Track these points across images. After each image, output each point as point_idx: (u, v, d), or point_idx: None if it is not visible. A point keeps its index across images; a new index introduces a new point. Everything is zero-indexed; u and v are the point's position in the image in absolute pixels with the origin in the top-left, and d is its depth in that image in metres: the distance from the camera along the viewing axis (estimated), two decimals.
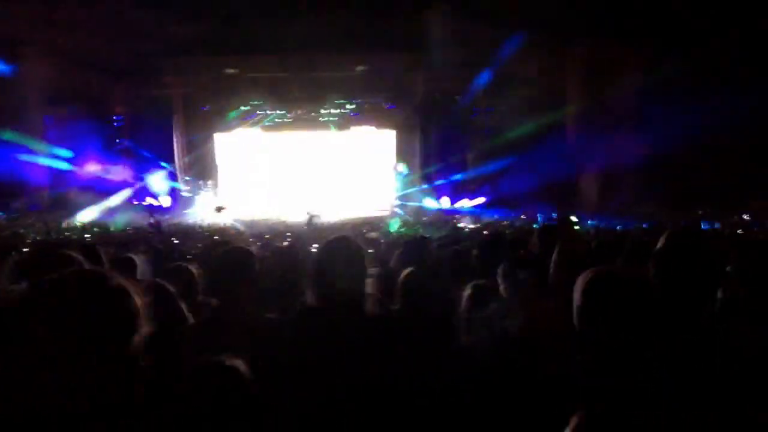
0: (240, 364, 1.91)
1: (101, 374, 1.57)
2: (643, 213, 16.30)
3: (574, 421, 1.58)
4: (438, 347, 2.78)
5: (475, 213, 20.51)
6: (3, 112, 17.45)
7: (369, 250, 3.19)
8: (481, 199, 21.49)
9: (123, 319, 1.63)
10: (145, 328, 1.67)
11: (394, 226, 14.81)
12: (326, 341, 2.46)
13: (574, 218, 14.31)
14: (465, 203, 21.67)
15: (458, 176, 21.97)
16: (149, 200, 21.83)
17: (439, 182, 22.30)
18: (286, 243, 8.60)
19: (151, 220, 10.69)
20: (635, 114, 17.99)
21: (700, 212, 15.64)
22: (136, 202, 21.41)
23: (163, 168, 22.31)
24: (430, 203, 22.24)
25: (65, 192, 19.58)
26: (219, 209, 17.53)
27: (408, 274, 3.68)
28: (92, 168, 20.24)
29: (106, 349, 1.59)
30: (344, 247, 2.77)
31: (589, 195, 19.76)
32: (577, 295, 2.39)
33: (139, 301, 1.68)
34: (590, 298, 2.33)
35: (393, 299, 3.51)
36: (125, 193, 21.17)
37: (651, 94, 16.89)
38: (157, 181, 22.05)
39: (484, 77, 20.08)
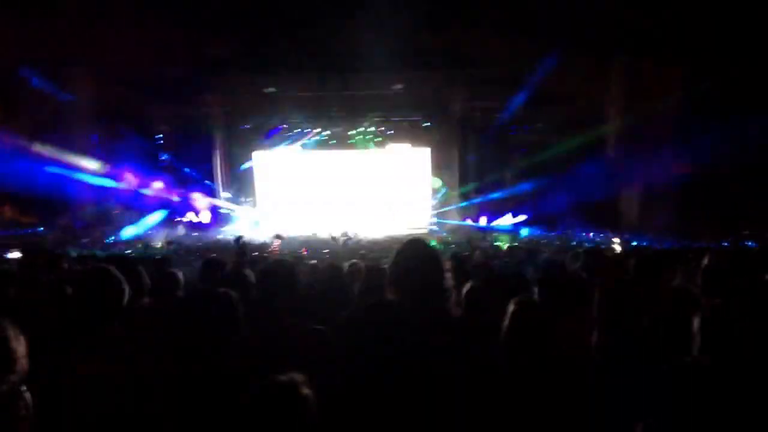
0: (301, 380, 1.90)
1: None
2: (685, 233, 16.02)
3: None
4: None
5: (512, 231, 20.37)
6: (49, 130, 17.91)
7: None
8: (519, 218, 21.33)
9: None
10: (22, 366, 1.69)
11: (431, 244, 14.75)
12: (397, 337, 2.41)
13: (616, 240, 14.12)
14: (503, 221, 21.53)
15: (496, 194, 21.84)
16: (189, 216, 22.13)
17: (476, 200, 22.20)
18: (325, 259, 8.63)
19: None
20: (676, 132, 17.73)
21: (746, 232, 15.31)
22: (177, 219, 21.73)
23: (203, 185, 22.63)
24: (467, 221, 22.14)
25: (109, 209, 19.96)
26: (278, 237, 17.78)
27: (470, 290, 3.69)
28: (134, 185, 20.60)
29: None
30: (420, 248, 2.84)
31: (630, 214, 19.48)
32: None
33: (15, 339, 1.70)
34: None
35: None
36: (166, 210, 21.48)
37: (691, 112, 16.65)
38: (198, 197, 22.36)
39: (522, 95, 20.01)
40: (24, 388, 1.71)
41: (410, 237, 2.93)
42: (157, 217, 20.86)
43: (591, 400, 2.62)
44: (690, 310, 2.49)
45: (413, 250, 2.79)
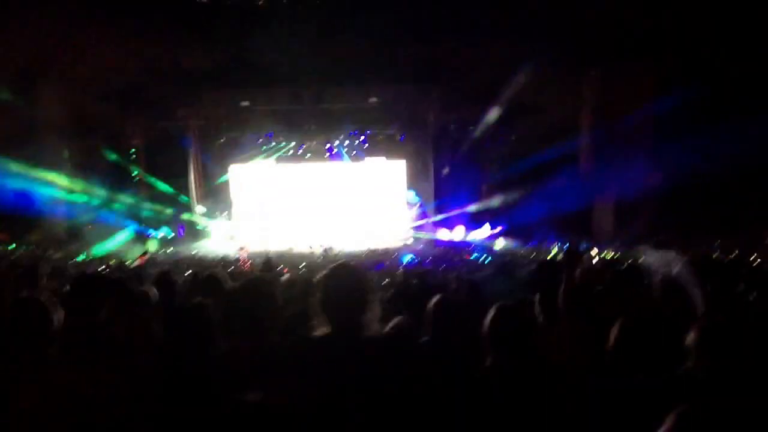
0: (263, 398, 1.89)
1: None
2: (657, 242, 16.17)
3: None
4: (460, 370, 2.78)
5: (488, 243, 20.43)
6: (21, 145, 17.68)
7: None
8: (495, 229, 21.41)
9: None
10: None
11: (407, 258, 14.76)
12: (335, 368, 2.49)
13: (594, 249, 14.23)
14: (478, 234, 21.59)
15: (471, 206, 21.93)
16: (164, 231, 21.93)
17: (452, 213, 22.26)
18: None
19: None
20: (649, 142, 17.96)
21: (717, 242, 15.48)
22: (150, 234, 21.51)
23: (177, 199, 22.45)
24: (443, 234, 22.18)
25: (80, 224, 19.73)
26: (242, 249, 17.71)
27: (437, 303, 3.67)
28: (108, 200, 20.40)
29: None
30: (346, 275, 2.79)
31: (604, 225, 19.66)
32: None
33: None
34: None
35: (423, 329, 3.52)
36: (138, 225, 21.28)
37: (665, 122, 16.87)
38: (172, 212, 22.19)
39: (496, 107, 20.14)
40: None
41: (337, 263, 2.93)
42: (129, 232, 20.64)
43: (575, 411, 2.63)
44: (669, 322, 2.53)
45: (339, 276, 2.78)
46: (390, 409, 2.41)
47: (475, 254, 16.46)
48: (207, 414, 1.86)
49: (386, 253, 17.46)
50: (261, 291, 3.20)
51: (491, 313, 3.01)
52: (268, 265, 10.93)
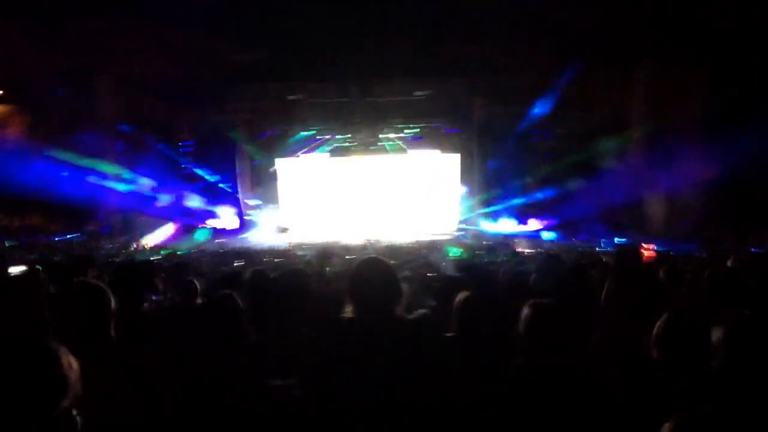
0: (292, 385, 1.93)
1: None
2: (711, 237, 15.83)
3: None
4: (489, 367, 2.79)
5: (535, 237, 20.26)
6: (76, 137, 18.20)
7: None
8: (542, 223, 21.22)
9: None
10: (75, 391, 1.69)
11: (454, 250, 14.74)
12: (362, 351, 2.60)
13: (648, 246, 13.99)
14: (526, 227, 21.43)
15: (519, 200, 21.75)
16: (213, 223, 22.32)
17: (499, 206, 22.12)
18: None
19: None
20: (701, 135, 17.53)
21: None
22: (201, 225, 21.93)
23: (227, 191, 22.80)
24: (490, 227, 22.07)
25: (134, 215, 20.22)
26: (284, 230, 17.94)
27: (465, 299, 3.66)
28: (159, 192, 20.84)
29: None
30: (374, 266, 2.88)
31: (655, 219, 19.27)
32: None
33: (68, 363, 1.71)
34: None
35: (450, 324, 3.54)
36: (190, 217, 21.69)
37: (717, 115, 16.46)
38: (222, 205, 22.56)
39: (545, 102, 19.92)
40: (75, 412, 1.73)
41: (366, 257, 3.00)
42: (179, 224, 21.07)
43: (607, 411, 2.61)
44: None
45: (368, 269, 2.85)
46: (409, 399, 2.45)
47: (521, 248, 16.37)
48: (236, 400, 1.91)
49: (431, 245, 17.42)
50: (297, 282, 3.26)
51: (526, 310, 3.00)
52: (322, 256, 11.05)
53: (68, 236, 18.80)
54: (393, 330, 2.67)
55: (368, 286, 2.77)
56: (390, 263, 2.97)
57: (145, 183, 20.37)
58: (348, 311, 2.80)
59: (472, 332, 3.43)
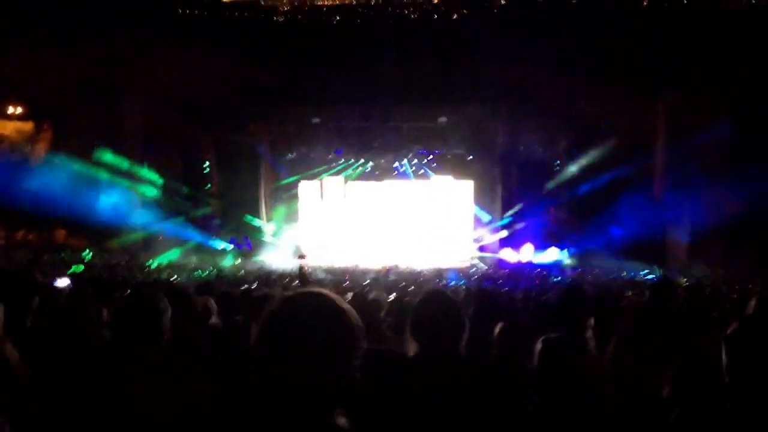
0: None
1: None
2: (734, 274, 15.51)
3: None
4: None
5: (556, 266, 20.05)
6: (102, 153, 18.47)
7: None
8: (563, 251, 21.04)
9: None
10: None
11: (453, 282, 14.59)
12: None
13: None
14: (546, 256, 21.23)
15: (539, 228, 21.58)
16: (228, 244, 22.32)
17: (519, 233, 21.96)
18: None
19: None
20: (726, 168, 17.32)
21: None
22: (221, 245, 21.98)
23: (247, 212, 22.83)
24: (510, 255, 21.89)
25: (153, 234, 20.33)
26: (301, 257, 17.97)
27: (501, 330, 3.60)
28: (182, 210, 20.96)
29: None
30: (439, 301, 2.78)
31: (677, 252, 19.00)
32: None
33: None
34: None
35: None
36: (206, 236, 21.75)
37: (742, 148, 16.29)
38: (243, 224, 22.59)
39: (566, 129, 19.89)
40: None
41: (431, 289, 2.94)
42: (195, 243, 21.14)
43: None
44: None
45: (434, 302, 2.78)
46: None
47: (542, 276, 16.21)
48: None
49: (437, 272, 17.31)
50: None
51: (538, 346, 2.91)
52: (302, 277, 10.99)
53: (86, 253, 18.88)
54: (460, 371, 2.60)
55: (433, 322, 2.67)
56: (452, 297, 2.91)
57: (168, 201, 20.51)
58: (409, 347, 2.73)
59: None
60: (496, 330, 3.55)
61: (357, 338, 1.68)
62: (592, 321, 3.56)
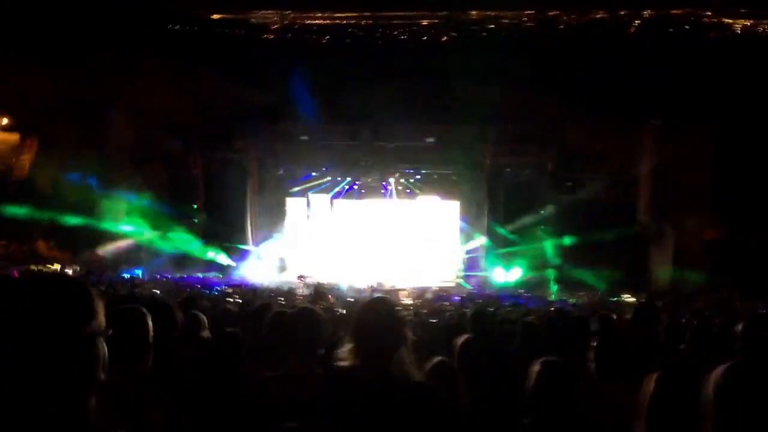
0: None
1: None
2: (716, 299, 15.63)
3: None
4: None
5: (539, 288, 20.06)
6: (91, 169, 18.40)
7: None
8: (548, 274, 21.05)
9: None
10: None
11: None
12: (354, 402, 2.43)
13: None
14: (531, 278, 21.20)
15: (525, 249, 21.59)
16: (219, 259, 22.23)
17: (505, 254, 21.97)
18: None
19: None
20: (709, 193, 17.51)
21: None
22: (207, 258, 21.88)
23: (235, 227, 22.71)
24: (496, 275, 21.86)
25: (136, 247, 20.25)
26: (301, 278, 18.12)
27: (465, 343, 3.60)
28: (168, 225, 20.87)
29: None
30: (380, 309, 2.66)
31: (660, 277, 19.11)
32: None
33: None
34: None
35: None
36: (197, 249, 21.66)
37: (726, 175, 16.48)
38: (229, 239, 22.48)
39: (553, 153, 20.02)
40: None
41: (373, 297, 2.88)
42: (185, 256, 21.05)
43: None
44: None
45: (373, 311, 2.71)
46: None
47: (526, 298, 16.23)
48: None
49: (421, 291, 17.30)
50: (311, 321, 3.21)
51: (536, 367, 2.86)
52: (318, 294, 10.98)
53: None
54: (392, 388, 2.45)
55: (369, 329, 2.57)
56: (396, 306, 2.85)
57: (153, 216, 20.41)
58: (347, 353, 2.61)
59: (473, 376, 3.35)
60: (459, 341, 3.56)
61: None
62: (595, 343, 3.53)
